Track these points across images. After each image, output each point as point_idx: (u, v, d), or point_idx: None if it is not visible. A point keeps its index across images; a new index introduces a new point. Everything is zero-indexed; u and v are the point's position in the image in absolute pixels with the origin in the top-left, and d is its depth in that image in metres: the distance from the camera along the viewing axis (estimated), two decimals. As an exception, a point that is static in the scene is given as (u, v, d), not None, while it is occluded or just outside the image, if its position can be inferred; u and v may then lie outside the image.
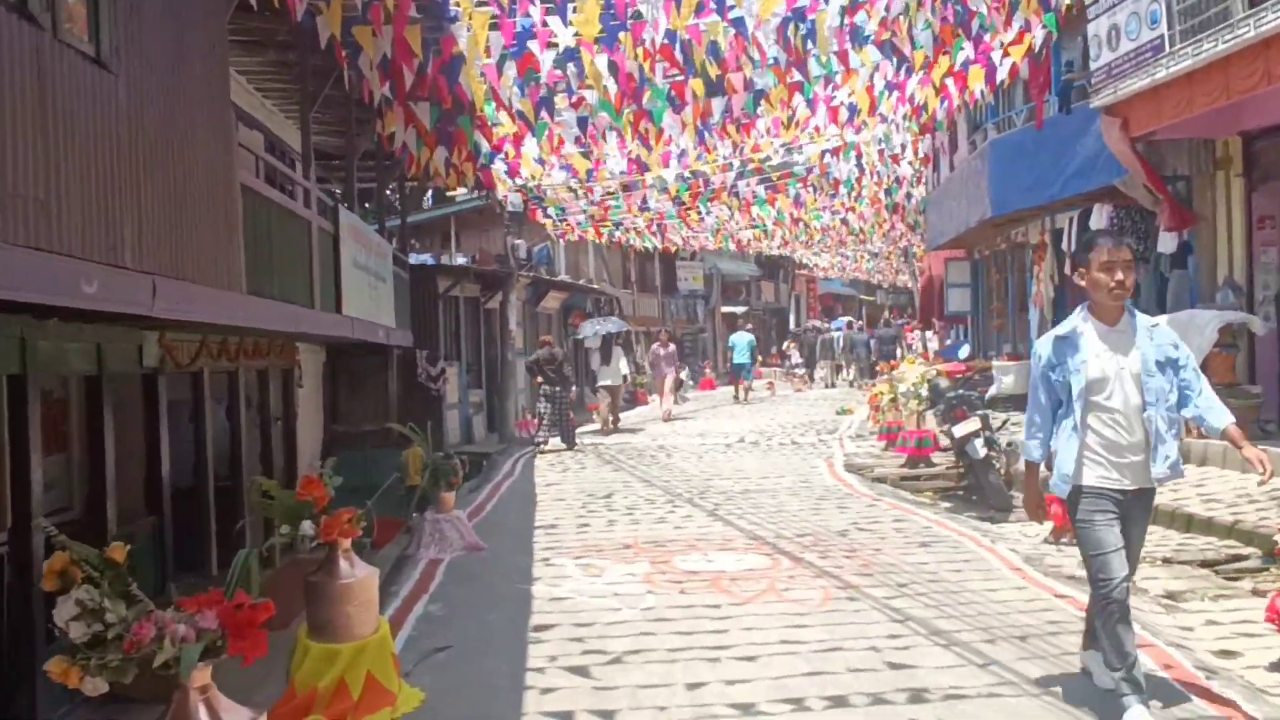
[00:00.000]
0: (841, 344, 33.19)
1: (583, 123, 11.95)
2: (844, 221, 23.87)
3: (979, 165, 16.09)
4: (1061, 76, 13.07)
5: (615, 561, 7.66)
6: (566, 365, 16.71)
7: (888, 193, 21.15)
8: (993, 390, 15.22)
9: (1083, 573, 7.55)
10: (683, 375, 26.35)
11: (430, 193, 37.08)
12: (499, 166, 14.39)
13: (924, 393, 12.11)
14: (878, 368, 33.20)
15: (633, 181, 16.95)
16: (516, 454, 15.60)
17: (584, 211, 18.32)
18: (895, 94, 13.63)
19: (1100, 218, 12.73)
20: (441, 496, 8.49)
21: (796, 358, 34.77)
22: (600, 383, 18.89)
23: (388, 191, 16.19)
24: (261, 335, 11.32)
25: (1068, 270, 12.61)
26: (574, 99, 11.03)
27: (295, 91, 11.64)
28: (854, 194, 20.44)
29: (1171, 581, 7.03)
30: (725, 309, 41.03)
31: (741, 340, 26.28)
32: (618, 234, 22.03)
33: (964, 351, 13.41)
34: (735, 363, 26.32)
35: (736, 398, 25.73)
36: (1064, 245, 13.71)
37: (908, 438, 12.02)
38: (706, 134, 13.36)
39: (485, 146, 13.07)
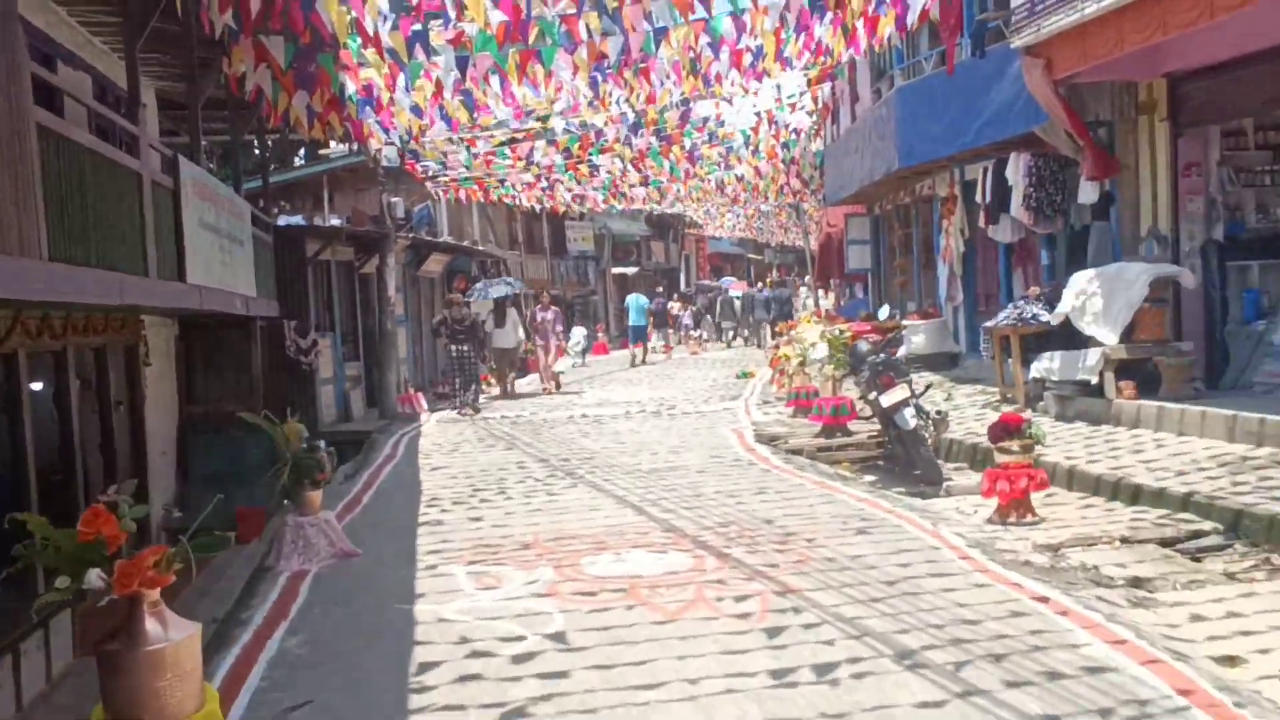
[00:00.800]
0: (740, 304, 32.68)
1: (462, 63, 10.66)
2: (739, 177, 23.03)
3: (884, 114, 15.34)
4: (975, 17, 12.31)
5: (514, 566, 6.57)
6: (479, 325, 16.47)
7: (784, 146, 20.32)
8: (902, 351, 14.54)
9: (1040, 559, 6.85)
10: (574, 339, 25.25)
11: (303, 150, 34.97)
12: (370, 116, 12.96)
13: (841, 357, 11.30)
14: (776, 328, 32.77)
15: (518, 133, 15.69)
16: (399, 432, 14.31)
17: (466, 167, 16.97)
18: (803, 37, 12.73)
19: (1017, 167, 12.08)
20: (306, 496, 7.24)
21: (687, 319, 33.98)
22: (494, 345, 18.12)
23: (248, 145, 14.62)
24: (94, 309, 9.80)
25: (981, 223, 11.81)
26: (452, 32, 9.74)
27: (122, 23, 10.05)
28: (750, 146, 19.56)
29: (1136, 565, 6.32)
30: (616, 270, 40.00)
31: (636, 302, 26.06)
32: (503, 192, 20.71)
33: (884, 312, 12.68)
34: (632, 324, 25.83)
35: (634, 362, 24.91)
36: (977, 197, 13.05)
37: (823, 405, 11.21)
38: (601, 79, 12.21)
39: (353, 90, 11.66)
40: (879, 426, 10.94)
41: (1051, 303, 11.06)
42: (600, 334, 31.51)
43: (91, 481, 9.78)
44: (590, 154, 17.57)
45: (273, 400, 14.48)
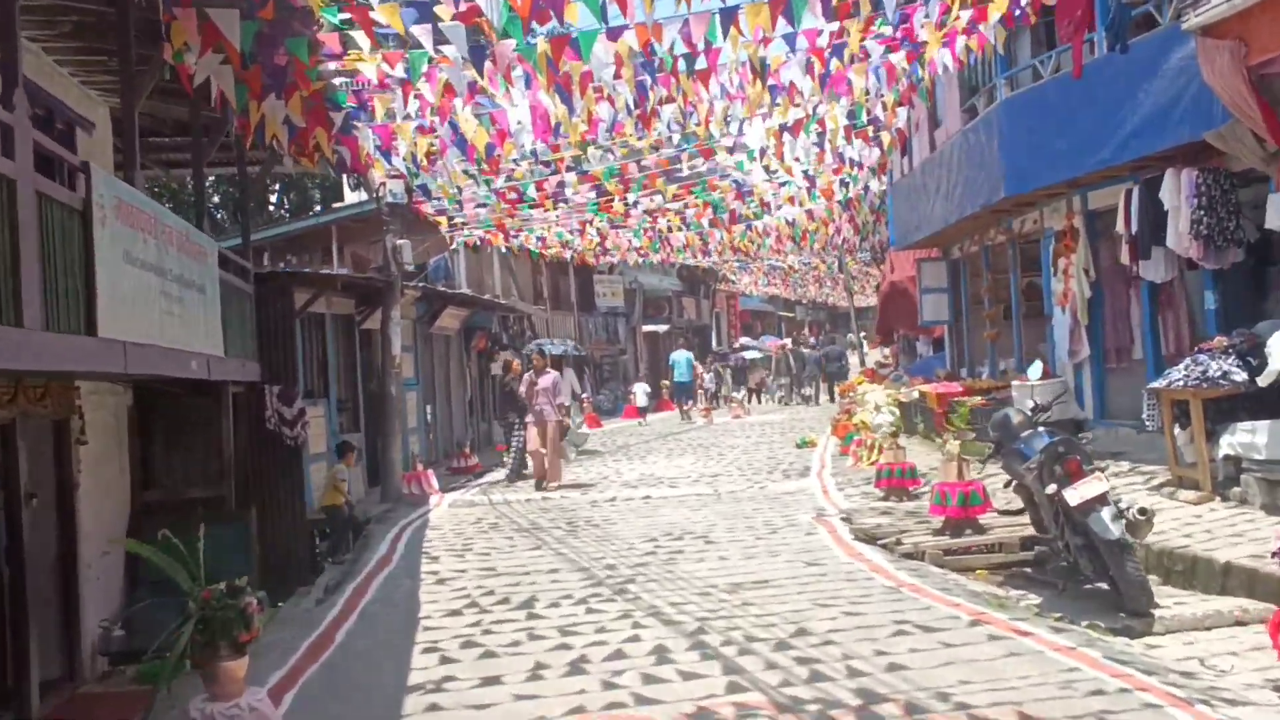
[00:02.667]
0: (793, 361, 30.39)
1: (478, 55, 8.27)
2: (790, 221, 20.59)
3: (980, 136, 12.87)
4: (1111, 3, 9.86)
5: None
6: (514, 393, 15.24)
7: (843, 184, 17.85)
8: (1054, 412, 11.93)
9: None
10: (583, 406, 22.67)
11: (318, 203, 32.85)
12: (367, 135, 10.61)
13: (988, 433, 8.66)
14: (836, 390, 30.15)
15: (544, 163, 13.31)
16: (402, 520, 11.75)
17: (485, 205, 14.59)
18: (901, 30, 10.37)
19: (1178, 186, 9.52)
20: (219, 670, 4.67)
21: (709, 381, 31.24)
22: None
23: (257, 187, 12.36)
24: (-7, 374, 7.37)
25: (1126, 258, 8.82)
26: (463, 4, 7.33)
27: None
28: (805, 185, 17.12)
29: None
30: (647, 328, 37.54)
31: (682, 358, 26.27)
32: (525, 236, 18.31)
33: (1035, 370, 9.99)
34: (676, 381, 26.27)
35: (683, 418, 24.93)
36: (1118, 227, 10.48)
37: (947, 493, 8.55)
38: (650, 81, 9.80)
39: (341, 94, 9.30)
40: (1023, 517, 8.32)
41: (1245, 357, 8.44)
42: (632, 396, 28.91)
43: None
44: (631, 190, 15.16)
45: (253, 481, 11.98)
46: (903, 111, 14.20)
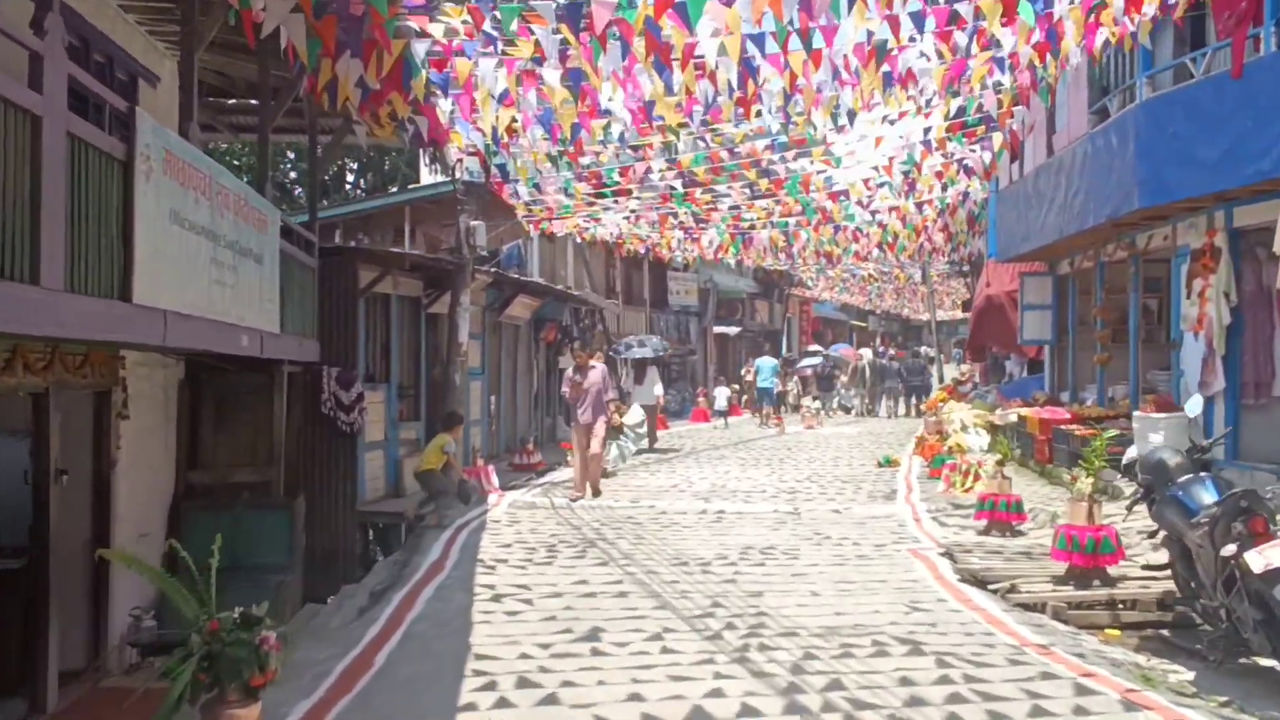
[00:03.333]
0: (869, 373, 29.28)
1: (574, 11, 7.42)
2: (881, 225, 19.44)
3: (1110, 141, 11.70)
4: (1287, -6, 8.71)
5: None
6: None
7: (943, 187, 16.68)
8: (1130, 454, 10.77)
9: None
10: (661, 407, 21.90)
11: (398, 183, 32.45)
12: (445, 105, 9.81)
13: (1133, 474, 7.60)
14: (921, 406, 28.81)
15: (634, 148, 12.41)
16: (457, 520, 10.95)
17: (565, 191, 13.74)
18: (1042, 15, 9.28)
19: (1354, 204, 8.32)
20: (225, 716, 3.85)
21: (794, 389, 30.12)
22: (635, 403, 18.25)
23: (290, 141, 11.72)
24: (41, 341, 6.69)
25: None
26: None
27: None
28: (904, 185, 16.00)
29: None
30: (718, 329, 36.51)
31: (767, 365, 26.39)
32: (608, 227, 17.46)
33: (1194, 405, 8.75)
34: (760, 388, 26.32)
35: (763, 424, 24.92)
36: (1277, 248, 9.29)
37: (1075, 538, 7.48)
38: (760, 55, 8.86)
39: (422, 57, 8.50)
40: (1162, 572, 7.25)
41: None
42: (701, 399, 27.96)
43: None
44: (718, 180, 14.21)
45: (303, 468, 11.32)
46: (1019, 111, 13.06)
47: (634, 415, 12.13)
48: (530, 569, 8.52)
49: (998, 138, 13.70)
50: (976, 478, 12.72)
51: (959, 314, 48.57)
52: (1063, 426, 12.78)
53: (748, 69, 9.01)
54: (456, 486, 11.72)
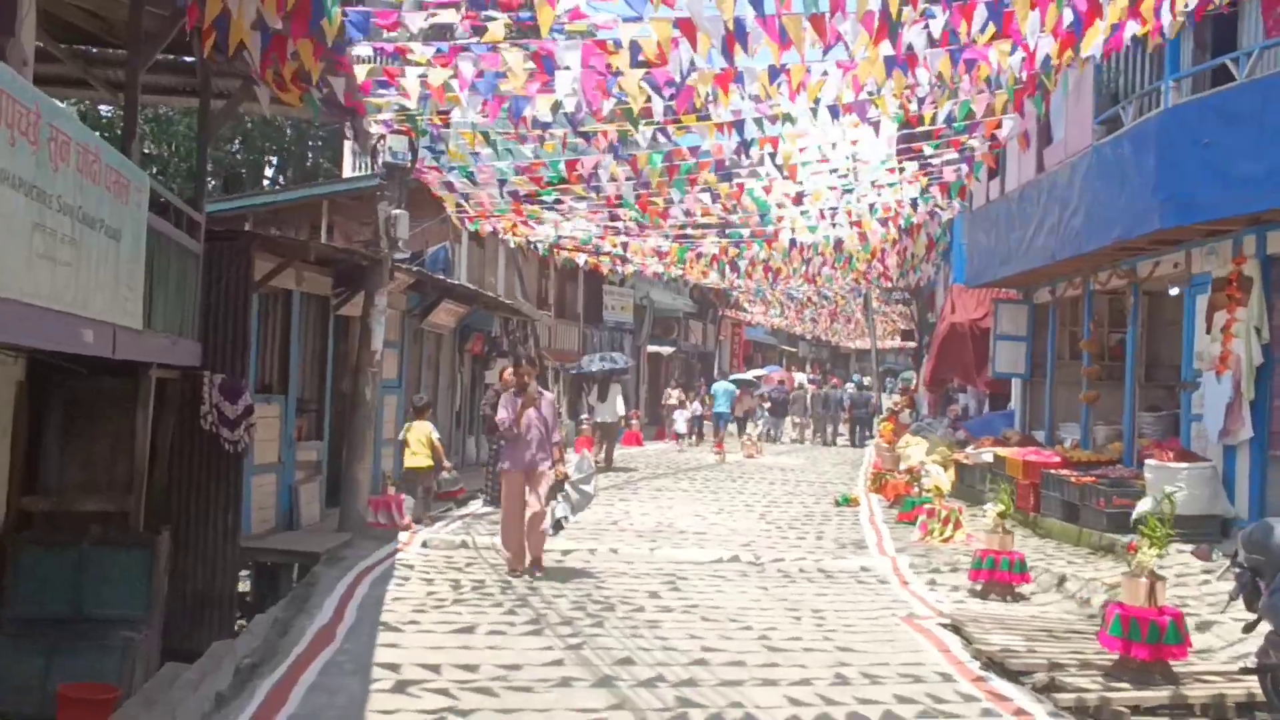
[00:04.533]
0: (810, 400, 28.15)
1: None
2: (837, 242, 18.10)
3: (1125, 153, 10.40)
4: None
5: None
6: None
7: (912, 203, 15.37)
8: (1143, 507, 9.46)
9: None
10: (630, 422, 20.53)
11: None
12: (365, 55, 8.10)
13: (1152, 529, 6.13)
14: (869, 436, 27.51)
15: (585, 134, 10.76)
16: (359, 563, 9.10)
17: (501, 181, 12.03)
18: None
19: None
20: None
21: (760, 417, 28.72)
22: (596, 419, 18.68)
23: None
24: None
25: None
26: None
27: None
28: (874, 193, 14.65)
29: None
30: (652, 348, 34.96)
31: (723, 389, 26.54)
32: (547, 230, 15.80)
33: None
34: (717, 412, 26.02)
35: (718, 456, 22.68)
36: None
37: (1135, 622, 5.99)
38: (757, 11, 7.31)
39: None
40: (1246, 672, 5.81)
41: None
42: (634, 420, 26.30)
43: None
44: (676, 182, 12.63)
45: (176, 493, 9.39)
46: (1008, 120, 11.71)
47: (579, 466, 9.27)
48: (445, 638, 6.76)
49: (978, 147, 12.38)
50: (957, 525, 11.33)
51: (897, 343, 47.93)
52: (1052, 471, 11.43)
53: (737, 31, 7.45)
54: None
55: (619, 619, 7.44)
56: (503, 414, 9.00)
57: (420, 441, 11.49)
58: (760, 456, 23.44)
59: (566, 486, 9.08)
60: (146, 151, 27.74)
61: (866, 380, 38.78)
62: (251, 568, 10.29)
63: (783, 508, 14.53)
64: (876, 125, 10.90)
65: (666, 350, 36.69)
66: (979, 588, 8.85)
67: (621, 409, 19.13)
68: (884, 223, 16.00)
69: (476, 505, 13.20)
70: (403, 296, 13.99)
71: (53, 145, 5.64)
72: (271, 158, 34.49)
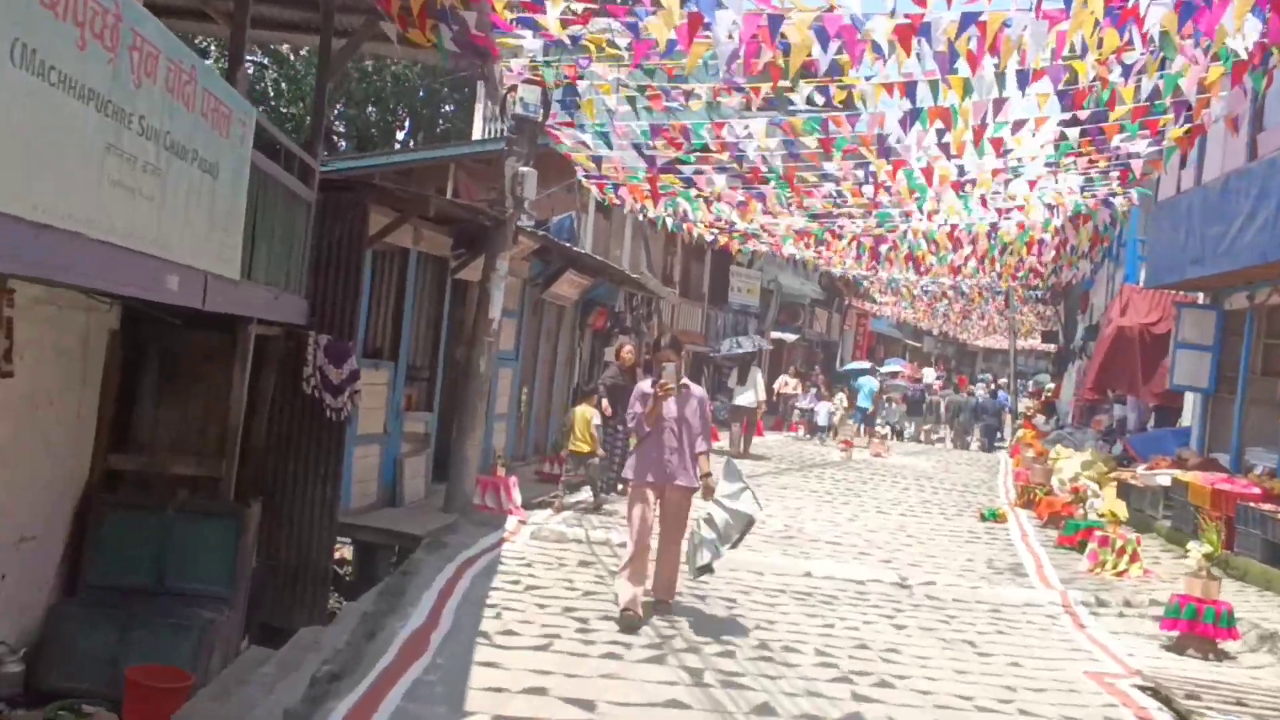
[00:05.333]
0: (945, 406, 26.69)
1: None
2: (991, 226, 16.58)
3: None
4: None
5: None
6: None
7: (1081, 189, 13.78)
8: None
9: None
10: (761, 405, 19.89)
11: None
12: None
13: None
14: (999, 442, 25.88)
15: (741, 88, 9.65)
16: (461, 553, 8.25)
17: (643, 141, 11.00)
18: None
19: None
20: None
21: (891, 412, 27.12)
22: (734, 403, 18.49)
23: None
24: None
25: None
26: None
27: None
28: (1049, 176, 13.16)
29: None
30: (775, 334, 33.65)
31: (867, 384, 25.51)
32: (678, 204, 14.71)
33: None
34: (860, 407, 25.15)
35: (877, 452, 21.99)
36: None
37: None
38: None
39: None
40: None
41: None
42: (762, 408, 25.06)
43: None
44: (827, 153, 11.41)
45: (272, 460, 8.70)
46: (1220, 99, 10.10)
47: (727, 473, 7.01)
48: (552, 658, 5.81)
49: (1173, 131, 10.78)
50: (1134, 558, 9.90)
51: (1031, 344, 45.44)
52: (1251, 504, 9.88)
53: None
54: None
55: (751, 648, 6.38)
56: (636, 408, 7.04)
57: (584, 424, 11.06)
58: (888, 456, 22.02)
59: (711, 506, 6.95)
60: (280, 108, 27.68)
61: (1003, 381, 36.66)
62: (353, 545, 9.57)
63: (921, 518, 13.23)
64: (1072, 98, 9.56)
65: (790, 337, 35.28)
66: (1173, 640, 7.49)
67: (762, 393, 18.69)
68: (1050, 208, 14.48)
69: (588, 494, 12.33)
70: (525, 264, 13.13)
71: (135, 56, 4.83)
72: (404, 120, 34.24)
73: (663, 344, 15.41)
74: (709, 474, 7.03)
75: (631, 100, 9.88)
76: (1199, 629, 7.39)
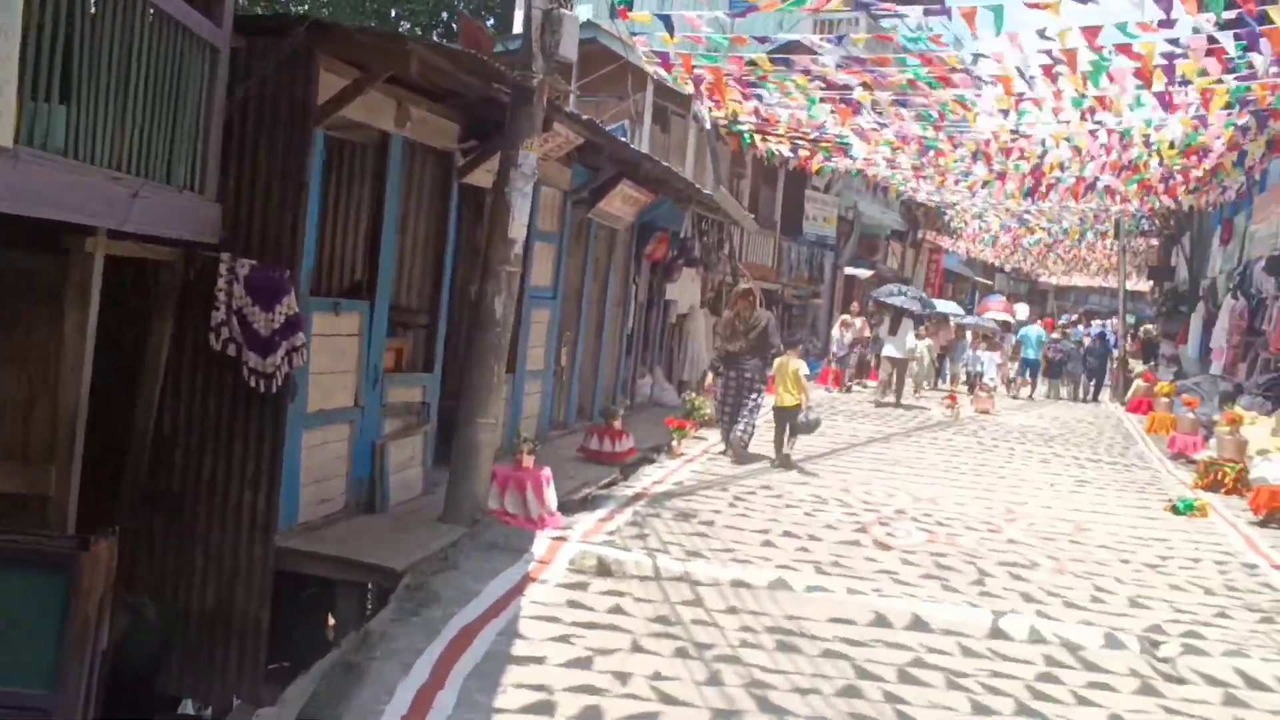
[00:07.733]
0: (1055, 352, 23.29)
1: None
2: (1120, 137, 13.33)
3: None
4: None
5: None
6: (768, 334, 10.60)
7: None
8: None
9: None
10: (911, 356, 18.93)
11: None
12: None
13: None
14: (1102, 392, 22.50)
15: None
16: (458, 611, 5.16)
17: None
18: None
19: None
20: None
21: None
22: (884, 354, 18.40)
23: None
24: None
25: None
26: None
27: None
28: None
29: None
30: (848, 270, 30.12)
31: (1033, 333, 23.49)
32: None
33: None
34: (1026, 358, 23.12)
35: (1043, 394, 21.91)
36: None
37: None
38: None
39: None
40: None
41: None
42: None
43: None
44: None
45: (178, 456, 5.67)
46: None
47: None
48: None
49: None
50: None
51: (1112, 283, 41.40)
52: None
53: None
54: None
55: None
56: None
57: (793, 377, 10.49)
58: (995, 414, 18.60)
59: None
60: None
61: (1111, 323, 32.93)
62: (296, 586, 6.47)
63: (1090, 511, 9.90)
64: None
65: (864, 274, 31.69)
66: None
67: (912, 343, 18.58)
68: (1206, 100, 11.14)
69: (650, 471, 9.22)
70: (566, 170, 9.87)
71: None
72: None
73: (740, 283, 13.37)
74: None
75: None
76: None
